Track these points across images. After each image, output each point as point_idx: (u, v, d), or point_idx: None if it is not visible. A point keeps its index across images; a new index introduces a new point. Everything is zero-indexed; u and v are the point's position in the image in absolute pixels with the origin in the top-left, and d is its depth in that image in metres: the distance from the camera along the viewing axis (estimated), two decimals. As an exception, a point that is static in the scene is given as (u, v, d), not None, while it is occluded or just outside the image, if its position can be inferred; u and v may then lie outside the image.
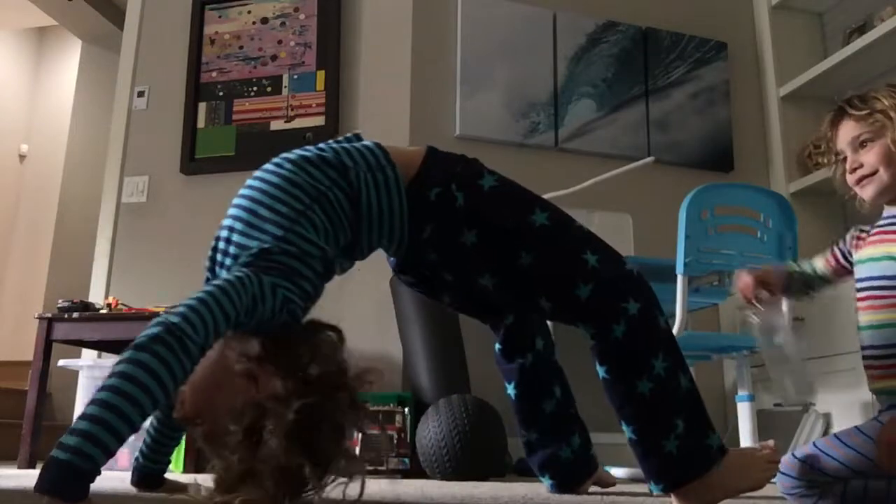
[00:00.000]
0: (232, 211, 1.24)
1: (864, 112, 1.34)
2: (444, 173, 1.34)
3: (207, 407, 1.10)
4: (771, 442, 1.37)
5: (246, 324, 1.08)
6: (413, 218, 1.32)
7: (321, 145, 1.33)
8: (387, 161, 1.31)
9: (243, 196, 1.25)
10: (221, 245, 1.22)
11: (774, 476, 1.33)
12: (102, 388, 0.93)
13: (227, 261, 1.19)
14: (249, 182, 1.28)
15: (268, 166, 1.29)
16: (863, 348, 1.35)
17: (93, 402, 0.92)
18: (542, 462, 1.61)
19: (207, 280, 1.23)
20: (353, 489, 1.07)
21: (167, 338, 0.97)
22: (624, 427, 1.31)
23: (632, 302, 1.29)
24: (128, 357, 0.95)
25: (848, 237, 1.44)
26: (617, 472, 2.01)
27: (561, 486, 1.60)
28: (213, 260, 1.23)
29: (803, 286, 1.53)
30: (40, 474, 0.88)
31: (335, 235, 1.25)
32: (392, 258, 1.46)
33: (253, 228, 1.19)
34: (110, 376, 0.94)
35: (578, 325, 1.34)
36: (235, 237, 1.19)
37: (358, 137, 1.39)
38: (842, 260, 1.45)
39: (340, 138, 1.39)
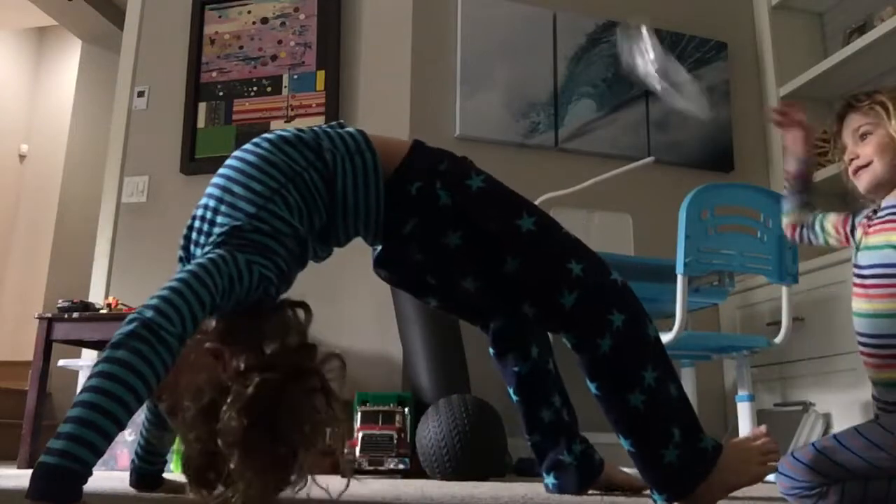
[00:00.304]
0: (209, 190, 1.24)
1: (865, 103, 1.38)
2: (428, 169, 1.32)
3: (171, 383, 1.07)
4: (763, 428, 1.37)
5: (224, 306, 1.07)
6: (393, 209, 1.30)
7: (302, 128, 1.32)
8: (367, 146, 1.31)
9: (220, 175, 1.25)
10: (196, 224, 1.21)
11: (774, 469, 1.33)
12: (84, 390, 0.92)
13: (202, 239, 1.18)
14: (227, 162, 1.27)
15: (246, 146, 1.28)
16: (858, 335, 1.36)
17: (76, 404, 0.91)
18: (547, 465, 1.62)
19: (181, 260, 1.22)
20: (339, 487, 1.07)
21: (143, 332, 0.95)
22: (622, 440, 1.31)
23: (616, 313, 1.28)
24: (106, 356, 0.94)
25: (862, 213, 1.44)
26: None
27: (563, 488, 1.60)
28: (188, 238, 1.22)
29: (807, 197, 1.57)
30: (31, 481, 0.87)
31: (309, 216, 1.24)
32: (374, 252, 1.45)
33: (227, 206, 1.18)
34: (90, 377, 0.93)
35: (562, 334, 1.33)
36: (209, 215, 1.19)
37: (341, 125, 1.39)
38: (847, 229, 1.46)
39: (324, 125, 1.38)
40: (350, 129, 1.36)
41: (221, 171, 1.26)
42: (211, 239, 1.15)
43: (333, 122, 1.41)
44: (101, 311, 2.72)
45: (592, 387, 1.31)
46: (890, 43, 3.08)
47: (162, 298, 1.00)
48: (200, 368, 1.07)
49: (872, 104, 1.37)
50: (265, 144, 1.26)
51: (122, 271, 3.26)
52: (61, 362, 2.75)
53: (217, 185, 1.23)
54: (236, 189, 1.19)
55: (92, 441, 0.89)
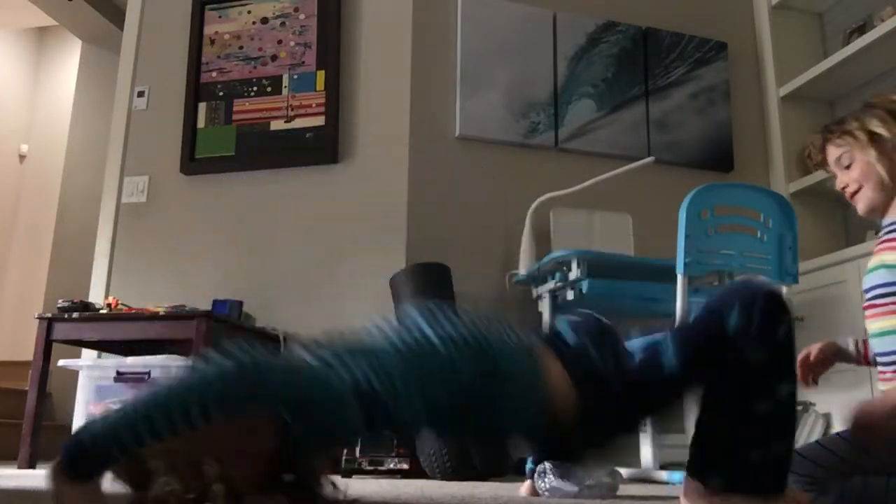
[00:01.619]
0: None
1: (836, 135, 1.43)
2: None
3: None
4: None
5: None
6: None
7: None
8: None
9: None
10: None
11: None
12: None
13: None
14: None
15: None
16: (875, 355, 1.40)
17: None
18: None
19: None
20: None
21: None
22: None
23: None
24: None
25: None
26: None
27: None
28: None
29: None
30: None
31: None
32: None
33: None
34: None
35: None
36: None
37: None
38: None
39: None
40: None
41: None
42: None
43: None
44: (101, 311, 2.72)
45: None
46: (890, 43, 3.08)
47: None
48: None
49: (842, 134, 1.42)
50: None
51: (122, 271, 3.26)
52: (61, 362, 2.75)
53: None
54: None
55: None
